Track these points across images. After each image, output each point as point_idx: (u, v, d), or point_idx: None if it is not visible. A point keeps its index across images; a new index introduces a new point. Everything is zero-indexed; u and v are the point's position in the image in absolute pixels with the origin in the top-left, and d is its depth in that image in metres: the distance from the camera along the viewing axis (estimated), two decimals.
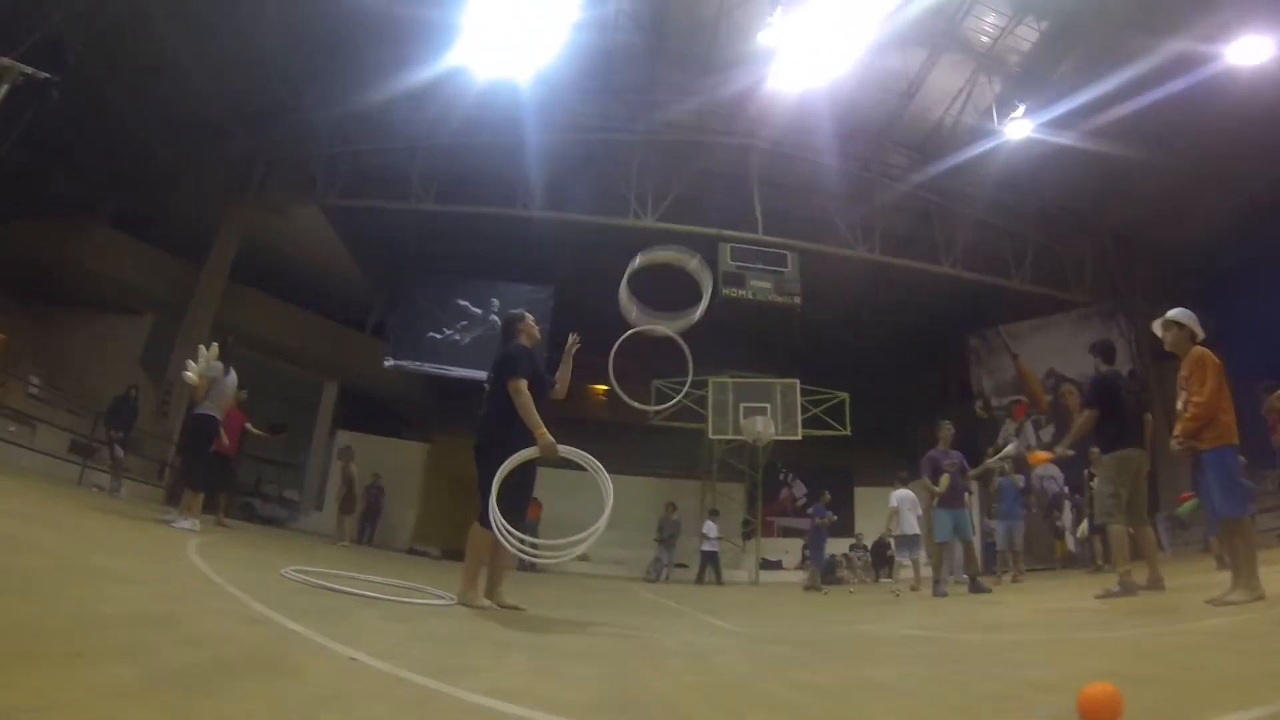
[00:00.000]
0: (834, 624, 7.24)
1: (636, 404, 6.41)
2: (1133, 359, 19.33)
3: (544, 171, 19.54)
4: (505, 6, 15.26)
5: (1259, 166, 15.93)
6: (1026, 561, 13.92)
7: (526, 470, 5.30)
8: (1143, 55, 14.32)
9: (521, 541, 4.96)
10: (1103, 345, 7.80)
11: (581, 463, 5.33)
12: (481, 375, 5.96)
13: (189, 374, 9.46)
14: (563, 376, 5.95)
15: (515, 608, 5.34)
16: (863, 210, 20.64)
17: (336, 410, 25.40)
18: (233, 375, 9.81)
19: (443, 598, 5.38)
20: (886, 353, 26.67)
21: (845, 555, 20.56)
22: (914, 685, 3.12)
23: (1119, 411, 7.08)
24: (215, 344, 9.74)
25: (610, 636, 4.83)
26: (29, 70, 7.48)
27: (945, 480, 10.38)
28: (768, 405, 20.67)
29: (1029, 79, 16.78)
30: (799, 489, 26.05)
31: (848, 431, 21.00)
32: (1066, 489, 15.52)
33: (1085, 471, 12.32)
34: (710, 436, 21.21)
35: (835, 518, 17.07)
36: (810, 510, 17.45)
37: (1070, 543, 15.56)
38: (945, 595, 9.80)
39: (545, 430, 5.22)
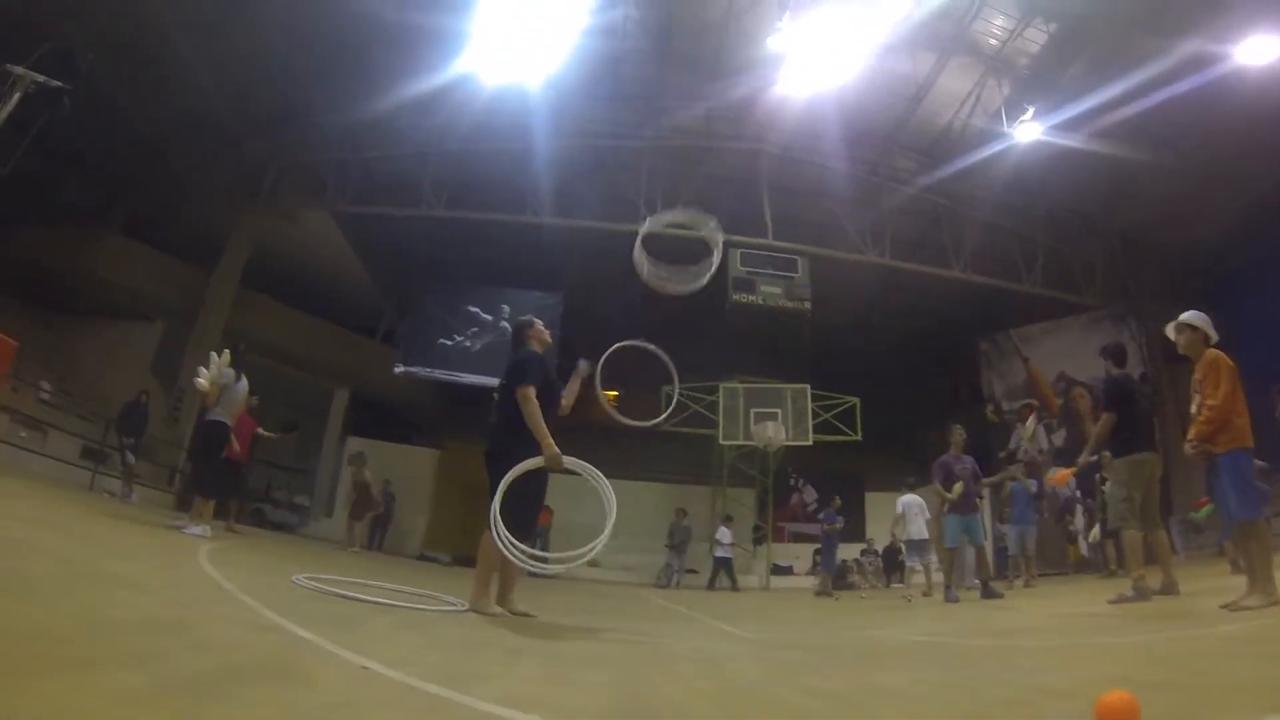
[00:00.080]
0: (845, 629, 7.22)
1: (629, 420, 6.38)
2: (1144, 362, 19.24)
3: (553, 177, 19.57)
4: (514, 13, 15.29)
5: (1268, 166, 15.84)
6: (1039, 566, 13.86)
7: (538, 478, 5.29)
8: (1152, 56, 14.27)
9: (522, 552, 4.95)
10: (1114, 348, 7.75)
11: (586, 475, 5.32)
12: (492, 382, 5.98)
13: (201, 380, 9.50)
14: (568, 396, 5.94)
15: (527, 614, 5.33)
16: (872, 214, 20.62)
17: (347, 416, 25.48)
18: (244, 382, 9.83)
19: (454, 604, 5.38)
20: (897, 357, 26.60)
21: (856, 560, 20.48)
22: (925, 691, 3.11)
23: (1132, 415, 7.05)
24: (227, 351, 9.79)
25: (621, 643, 4.82)
26: (41, 79, 7.54)
27: (959, 488, 10.34)
28: (778, 410, 20.68)
29: (1038, 81, 16.72)
30: (810, 494, 26.03)
31: (858, 437, 20.98)
32: (1078, 493, 15.42)
33: (1097, 476, 12.23)
34: (721, 442, 21.21)
35: (843, 523, 17.01)
36: (821, 516, 17.42)
37: (1083, 547, 15.46)
38: (957, 600, 9.76)
39: (551, 440, 5.20)
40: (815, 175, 20.40)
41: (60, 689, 1.75)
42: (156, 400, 16.24)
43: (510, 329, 6.29)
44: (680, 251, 14.19)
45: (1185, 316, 6.12)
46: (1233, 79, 14.18)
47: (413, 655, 3.10)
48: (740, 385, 21.26)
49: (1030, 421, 18.64)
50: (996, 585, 10.66)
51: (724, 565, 19.32)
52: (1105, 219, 20.57)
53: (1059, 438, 20.86)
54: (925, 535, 12.98)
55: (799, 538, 24.56)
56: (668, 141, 19.72)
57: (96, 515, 7.96)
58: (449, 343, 22.82)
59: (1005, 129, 17.28)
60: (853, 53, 16.11)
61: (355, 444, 21.63)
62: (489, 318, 22.89)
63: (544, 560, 5.27)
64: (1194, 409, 5.85)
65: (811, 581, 18.90)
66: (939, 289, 22.02)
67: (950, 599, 9.87)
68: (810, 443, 20.75)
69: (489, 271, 22.99)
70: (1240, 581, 5.62)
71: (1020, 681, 3.15)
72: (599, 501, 5.29)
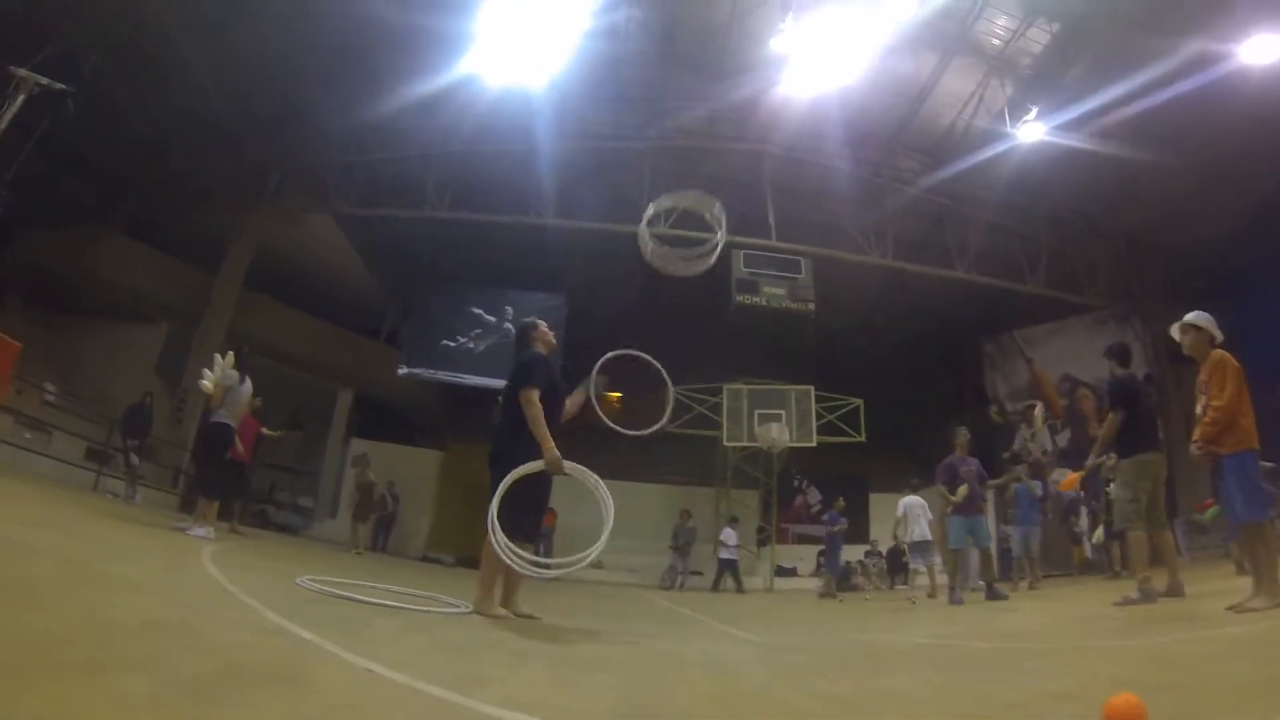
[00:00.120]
0: (850, 632, 7.20)
1: (630, 431, 6.39)
2: (1148, 362, 19.20)
3: (556, 179, 19.56)
4: (517, 14, 15.30)
5: (1271, 166, 15.77)
6: (1043, 567, 13.80)
7: (542, 480, 5.30)
8: (1154, 56, 14.26)
9: (518, 556, 4.96)
10: (1118, 348, 7.72)
11: (585, 481, 5.33)
12: (495, 383, 5.99)
13: (205, 382, 9.50)
14: (571, 405, 5.93)
15: (531, 616, 5.33)
16: (875, 215, 20.62)
17: (350, 418, 25.48)
18: (248, 384, 9.83)
19: (458, 606, 5.37)
20: (900, 358, 26.56)
21: (860, 562, 20.46)
22: (932, 694, 3.10)
23: (1137, 415, 7.01)
24: (231, 352, 9.79)
25: (626, 645, 4.82)
26: (45, 81, 7.54)
27: (963, 490, 10.32)
28: (782, 412, 20.67)
29: (1041, 82, 16.71)
30: (814, 496, 26.01)
31: (862, 438, 20.96)
32: (1083, 494, 15.39)
33: (1101, 477, 12.19)
34: (725, 443, 21.22)
35: (846, 524, 16.97)
36: (825, 517, 17.40)
37: (1087, 549, 15.42)
38: (961, 602, 9.73)
39: (552, 445, 5.21)
40: (818, 176, 20.38)
41: (63, 692, 1.75)
42: (160, 402, 16.25)
43: (514, 331, 6.29)
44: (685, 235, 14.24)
45: (1190, 317, 6.09)
46: (1236, 78, 14.15)
47: (416, 658, 3.10)
48: (744, 387, 21.26)
49: (1039, 410, 18.60)
50: (1001, 587, 10.64)
51: (729, 567, 19.29)
52: (1109, 219, 20.54)
53: (1063, 439, 20.82)
54: (928, 537, 12.97)
55: (803, 539, 24.55)
56: (671, 143, 19.73)
57: (100, 516, 7.96)
58: (452, 344, 22.82)
59: (1008, 129, 17.27)
60: (856, 53, 16.11)
61: (359, 446, 21.66)
62: (492, 319, 22.90)
63: (540, 565, 5.26)
64: (1199, 410, 5.83)
65: (815, 583, 18.88)
66: (942, 290, 21.99)
67: (955, 601, 9.84)
68: (814, 444, 20.75)
69: (492, 273, 23.00)
70: (1245, 583, 5.60)
71: (1026, 684, 3.13)
72: (595, 507, 5.31)
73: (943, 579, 12.16)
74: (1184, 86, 14.31)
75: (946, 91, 17.83)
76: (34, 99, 7.56)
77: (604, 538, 5.09)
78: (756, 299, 19.43)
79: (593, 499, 5.34)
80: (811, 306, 19.74)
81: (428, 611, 5.09)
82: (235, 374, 9.58)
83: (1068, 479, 10.13)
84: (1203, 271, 18.51)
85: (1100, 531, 13.74)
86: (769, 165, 20.09)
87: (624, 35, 16.91)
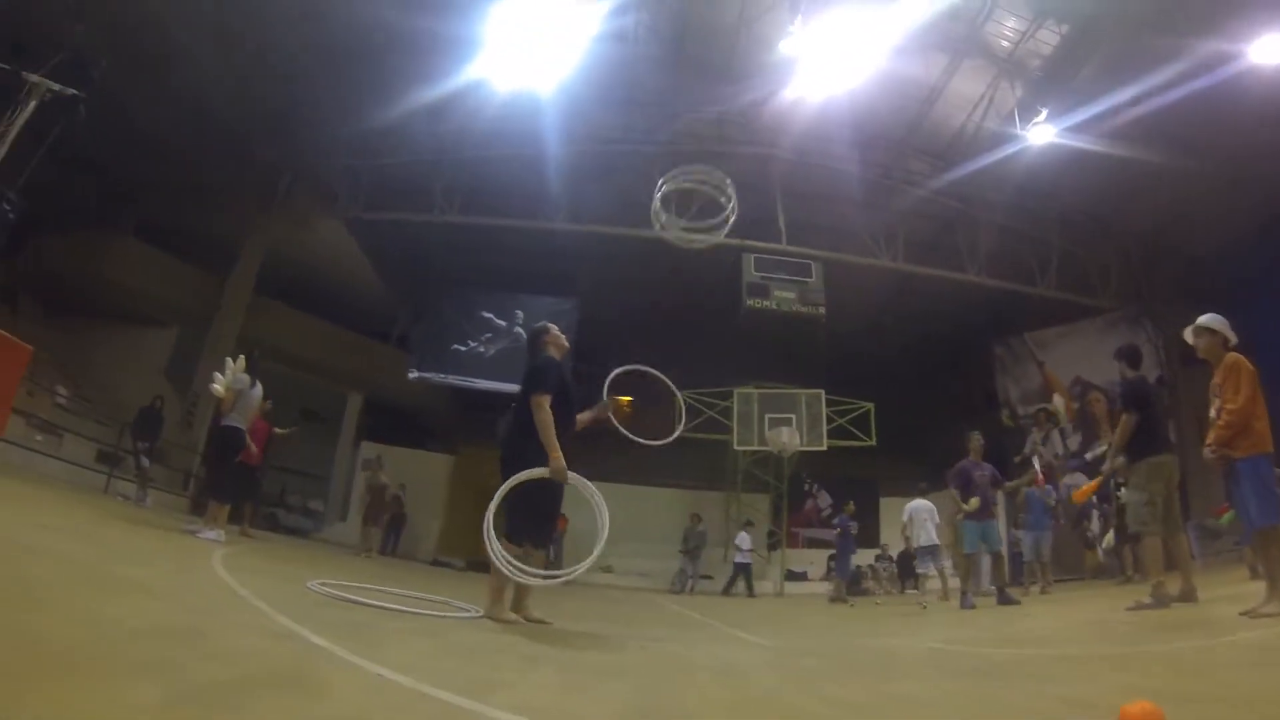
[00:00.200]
0: (861, 636, 7.18)
1: (642, 440, 6.40)
2: (1160, 365, 19.10)
3: (565, 183, 19.56)
4: (526, 18, 15.32)
5: None
6: (1055, 572, 13.77)
7: (553, 486, 5.29)
8: (1164, 57, 14.20)
9: (509, 562, 4.98)
10: (1128, 350, 7.66)
11: (585, 493, 5.35)
12: (506, 387, 6.02)
13: (216, 386, 9.54)
14: (586, 418, 5.92)
15: (542, 621, 5.33)
16: (885, 218, 20.56)
17: (360, 421, 25.56)
18: (258, 387, 9.86)
19: (469, 610, 5.37)
20: (911, 362, 26.49)
21: (871, 566, 20.40)
22: (945, 700, 3.08)
23: (1149, 418, 6.97)
24: (242, 356, 9.82)
25: (637, 650, 4.81)
26: (57, 87, 7.58)
27: (974, 502, 10.28)
28: (793, 416, 20.63)
29: (1051, 83, 16.63)
30: (824, 500, 25.94)
31: (872, 442, 20.91)
32: (1095, 498, 15.32)
33: (1112, 481, 12.11)
34: (736, 447, 21.19)
35: (856, 527, 16.94)
36: (835, 521, 17.36)
37: (1100, 553, 15.34)
38: (973, 607, 9.69)
39: (559, 453, 5.21)
40: (828, 179, 20.31)
41: (76, 697, 1.74)
42: (171, 405, 16.32)
43: (525, 335, 6.32)
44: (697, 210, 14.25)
45: (1204, 320, 6.05)
46: (1247, 78, 14.07)
47: (427, 662, 3.09)
48: (755, 390, 21.23)
49: (1057, 400, 18.52)
50: (1012, 592, 10.60)
51: (743, 571, 19.25)
52: (1119, 221, 20.44)
53: (1074, 442, 20.74)
54: (935, 541, 12.93)
55: (813, 543, 24.48)
56: (680, 146, 19.67)
57: (111, 519, 7.99)
58: (463, 348, 22.83)
59: (1018, 131, 17.20)
60: (864, 56, 16.06)
61: (369, 449, 21.70)
62: (503, 323, 22.90)
63: (531, 574, 5.25)
64: (1213, 413, 5.79)
65: (826, 587, 18.82)
66: (953, 293, 21.90)
67: (966, 605, 9.80)
68: (824, 448, 20.70)
69: (502, 277, 22.99)
70: (1259, 588, 5.56)
71: (1041, 691, 3.11)
72: (608, 509, 5.33)
73: (955, 582, 12.13)
74: (1194, 86, 14.26)
75: (956, 93, 17.76)
76: (45, 104, 7.61)
77: (597, 551, 5.17)
78: (767, 303, 19.40)
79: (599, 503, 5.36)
80: (822, 310, 19.69)
81: (439, 616, 5.09)
82: (246, 378, 9.62)
83: (1082, 489, 10.04)
84: (1215, 273, 18.38)
85: (1110, 536, 13.69)
86: (778, 169, 20.04)
87: (633, 39, 16.90)
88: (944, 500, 13.27)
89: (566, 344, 6.09)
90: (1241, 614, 5.09)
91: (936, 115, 18.48)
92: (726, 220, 12.79)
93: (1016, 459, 17.99)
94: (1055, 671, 3.89)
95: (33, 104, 7.52)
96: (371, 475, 17.45)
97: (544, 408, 5.27)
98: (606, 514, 5.30)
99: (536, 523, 5.33)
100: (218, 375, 9.62)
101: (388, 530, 18.45)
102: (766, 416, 20.70)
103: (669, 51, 17.51)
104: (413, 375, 22.84)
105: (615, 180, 19.68)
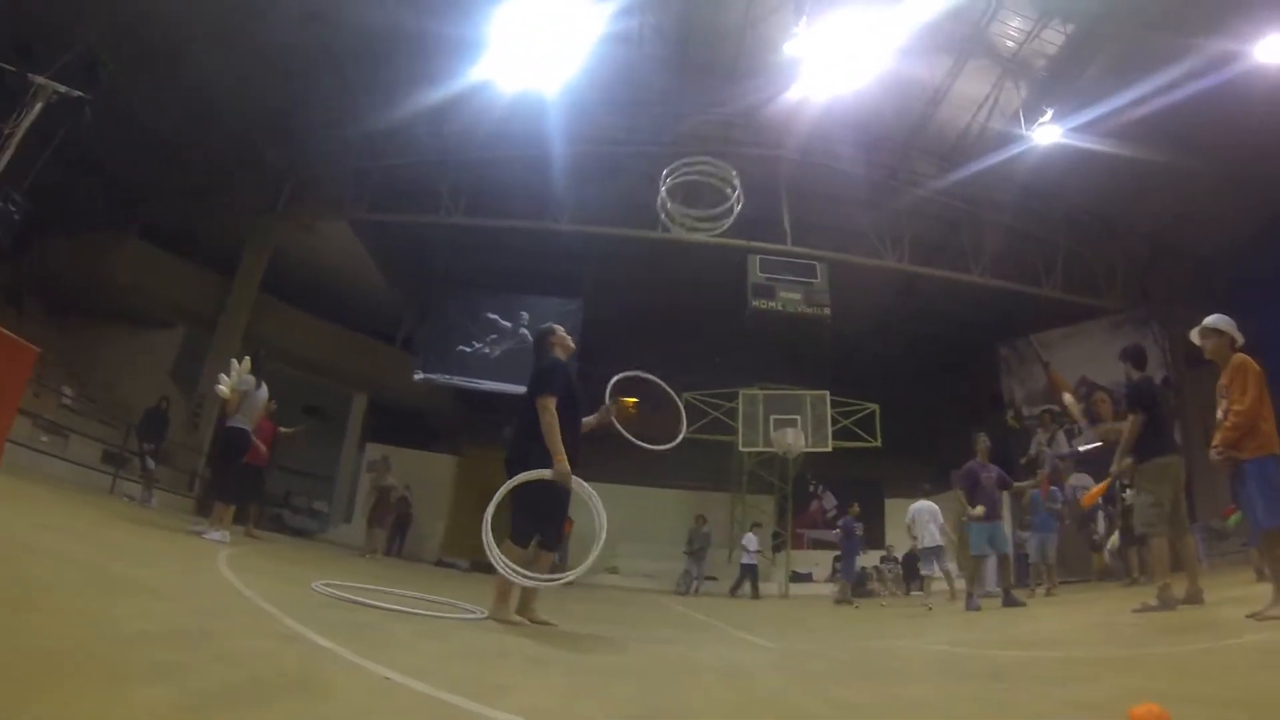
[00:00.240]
0: (868, 638, 7.17)
1: (646, 445, 6.40)
2: (1165, 365, 19.06)
3: (570, 184, 19.58)
4: (531, 20, 15.33)
5: None
6: (1061, 574, 13.73)
7: (559, 488, 5.29)
8: (1170, 56, 14.18)
9: (509, 566, 5.00)
10: (1133, 350, 7.63)
11: (586, 498, 5.36)
12: (511, 388, 6.03)
13: (222, 387, 9.55)
14: (587, 424, 5.92)
15: (547, 623, 5.32)
16: (890, 219, 20.55)
17: (366, 422, 25.57)
18: (264, 388, 9.87)
19: (474, 612, 5.37)
20: (916, 363, 26.47)
21: (876, 568, 20.37)
22: (953, 704, 3.07)
23: (1156, 418, 6.94)
24: (248, 357, 9.83)
25: (643, 652, 4.81)
26: (63, 89, 7.60)
27: (980, 510, 10.26)
28: (798, 417, 20.58)
29: (1056, 83, 16.59)
30: (829, 501, 25.94)
31: (878, 443, 20.85)
32: (1100, 499, 15.30)
33: (1117, 483, 12.06)
34: (741, 449, 21.16)
35: (861, 528, 16.92)
36: (840, 522, 17.34)
37: (1106, 555, 15.30)
38: (979, 609, 9.68)
39: (564, 457, 5.19)
40: (833, 180, 20.30)
41: (78, 700, 1.75)
42: (177, 406, 16.35)
43: (531, 337, 6.31)
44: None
45: (1210, 321, 6.03)
46: (1253, 78, 14.04)
47: (434, 665, 3.09)
48: (760, 392, 21.19)
49: (1068, 398, 18.48)
50: (1018, 593, 10.58)
51: (749, 572, 19.19)
52: (1125, 222, 20.40)
53: (1080, 442, 20.69)
54: (938, 542, 12.89)
55: (818, 544, 24.43)
56: (685, 148, 19.56)
57: (116, 520, 8.00)
58: (468, 349, 22.84)
59: (1024, 131, 17.17)
60: (869, 57, 16.07)
61: (374, 450, 21.68)
62: (508, 324, 22.91)
63: (533, 576, 5.26)
64: (1220, 414, 5.77)
65: (831, 589, 18.77)
66: (958, 293, 21.87)
67: (972, 607, 9.78)
68: (830, 449, 20.65)
69: (508, 278, 23.00)
70: (1265, 590, 5.53)
71: (1047, 694, 3.11)
72: (608, 512, 5.33)
73: (960, 583, 12.10)
74: (1200, 86, 14.22)
75: (961, 94, 17.73)
76: (51, 106, 7.62)
77: (594, 554, 5.19)
78: (772, 304, 19.37)
79: (605, 505, 5.36)
80: (827, 311, 19.66)
81: (444, 617, 5.09)
82: (252, 379, 9.62)
83: (1090, 492, 10.00)
84: (1221, 274, 18.34)
85: (1115, 538, 13.65)
86: (784, 170, 20.03)
87: (638, 40, 16.92)
88: (949, 501, 13.25)
89: (572, 345, 6.08)
90: (1248, 616, 5.06)
91: (941, 116, 18.45)
92: (731, 210, 12.79)
93: (1023, 460, 17.98)
94: (1061, 674, 3.88)
95: (39, 106, 7.54)
96: (378, 476, 17.44)
97: (549, 410, 5.26)
98: (604, 517, 5.30)
99: (541, 524, 5.32)
100: (223, 376, 9.63)
101: (393, 531, 18.44)
102: (771, 418, 20.66)
103: (674, 53, 17.51)
104: (418, 376, 22.87)
105: (620, 182, 19.69)
